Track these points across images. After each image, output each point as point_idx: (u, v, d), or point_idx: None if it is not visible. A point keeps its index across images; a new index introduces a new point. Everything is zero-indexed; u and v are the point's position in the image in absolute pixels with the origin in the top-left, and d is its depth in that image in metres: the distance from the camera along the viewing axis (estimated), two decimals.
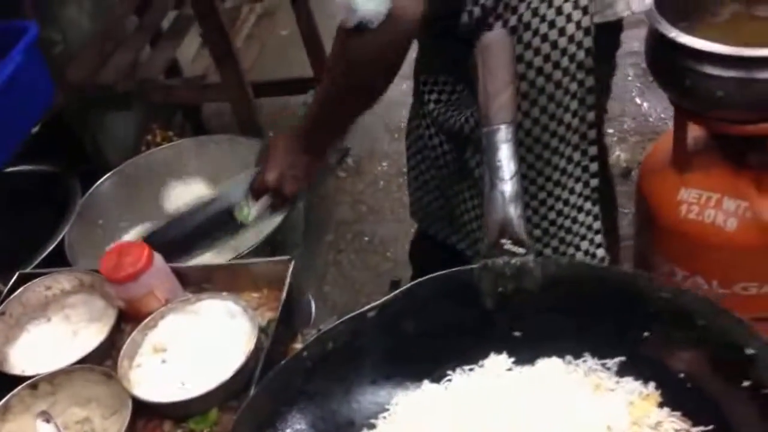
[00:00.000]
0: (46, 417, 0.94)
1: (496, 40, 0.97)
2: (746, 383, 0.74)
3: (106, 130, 2.31)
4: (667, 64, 1.50)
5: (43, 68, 1.70)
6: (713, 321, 0.79)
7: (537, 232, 1.47)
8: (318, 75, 2.84)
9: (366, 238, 2.54)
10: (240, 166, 1.53)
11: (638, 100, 2.91)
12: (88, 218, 1.71)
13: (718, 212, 1.62)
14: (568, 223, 1.50)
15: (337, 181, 2.77)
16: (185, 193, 1.74)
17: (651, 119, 2.87)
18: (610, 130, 2.93)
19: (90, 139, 2.26)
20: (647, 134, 2.80)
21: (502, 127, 0.90)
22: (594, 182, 1.43)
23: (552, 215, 1.45)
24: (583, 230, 1.51)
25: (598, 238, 1.49)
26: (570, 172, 1.41)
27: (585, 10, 1.25)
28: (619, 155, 2.81)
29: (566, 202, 1.46)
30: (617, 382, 0.83)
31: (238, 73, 2.21)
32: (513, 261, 0.88)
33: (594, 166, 1.42)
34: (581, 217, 1.49)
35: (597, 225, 1.48)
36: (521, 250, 0.89)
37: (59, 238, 1.61)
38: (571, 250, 1.48)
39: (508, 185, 0.89)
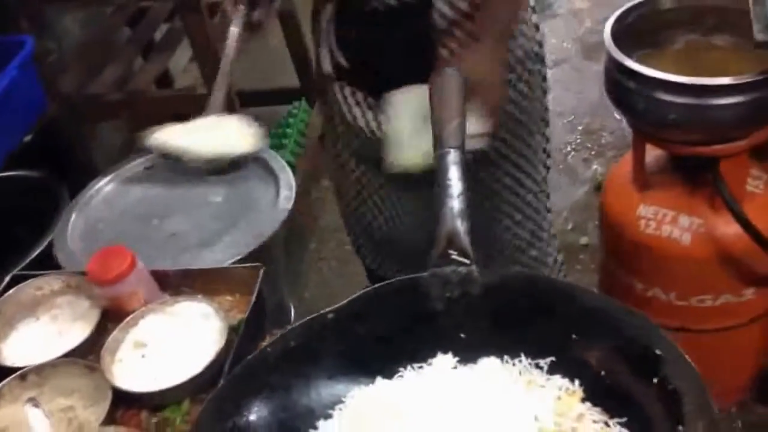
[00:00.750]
0: (35, 402, 1.03)
1: (449, 74, 1.08)
2: (655, 380, 0.83)
3: (97, 138, 2.39)
4: (623, 89, 1.60)
5: (36, 80, 1.78)
6: (627, 324, 0.88)
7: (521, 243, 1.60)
8: (304, 85, 2.93)
9: (347, 247, 2.63)
10: None
11: (617, 116, 3.02)
12: (77, 222, 1.76)
13: (674, 228, 1.72)
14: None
15: (322, 190, 2.85)
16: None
17: (628, 134, 2.96)
18: (588, 144, 3.03)
19: (80, 147, 2.32)
20: (624, 149, 2.88)
21: (452, 150, 1.00)
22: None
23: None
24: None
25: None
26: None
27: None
28: (596, 169, 2.91)
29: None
30: (547, 380, 0.92)
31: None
32: (459, 269, 0.98)
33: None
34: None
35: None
36: (466, 261, 0.98)
37: (47, 242, 1.68)
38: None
39: (456, 202, 0.99)
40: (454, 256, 0.98)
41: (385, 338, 1.00)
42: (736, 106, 1.49)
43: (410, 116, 1.25)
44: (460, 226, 0.98)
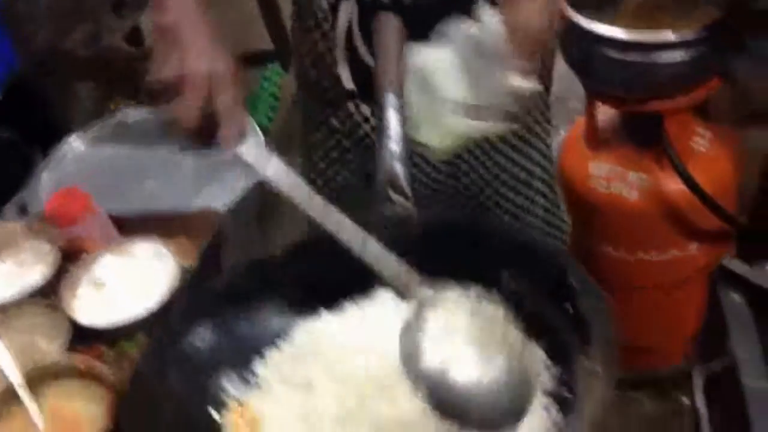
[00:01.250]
0: None
1: (386, 18, 1.12)
2: (571, 309, 0.90)
3: (68, 97, 2.41)
4: (575, 47, 1.66)
5: (5, 38, 1.80)
6: (550, 257, 0.95)
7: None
8: (278, 48, 2.95)
9: None
10: None
11: None
12: (48, 180, 1.81)
13: (622, 185, 1.79)
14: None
15: (294, 153, 2.86)
16: None
17: None
18: (557, 111, 3.07)
19: (51, 106, 2.35)
20: None
21: (391, 94, 1.06)
22: None
23: None
24: None
25: None
26: None
27: None
28: (563, 135, 2.96)
29: None
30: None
31: None
32: (398, 210, 1.04)
33: None
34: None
35: None
36: (406, 203, 1.04)
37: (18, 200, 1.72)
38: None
39: (395, 145, 1.04)
40: (394, 198, 1.04)
41: (328, 275, 1.06)
42: (678, 62, 1.55)
43: (416, 92, 1.14)
44: (400, 169, 1.04)
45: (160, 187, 1.71)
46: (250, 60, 2.96)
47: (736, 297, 0.94)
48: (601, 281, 0.91)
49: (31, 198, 1.74)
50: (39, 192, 1.77)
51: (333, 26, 1.31)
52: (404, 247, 1.04)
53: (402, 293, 0.98)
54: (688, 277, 1.87)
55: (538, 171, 1.56)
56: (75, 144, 1.91)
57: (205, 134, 0.95)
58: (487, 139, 1.41)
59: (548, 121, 1.60)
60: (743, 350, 0.88)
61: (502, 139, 1.45)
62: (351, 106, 1.40)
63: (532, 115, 1.50)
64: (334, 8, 1.32)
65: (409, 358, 0.90)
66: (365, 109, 1.40)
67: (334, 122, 1.46)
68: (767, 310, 0.92)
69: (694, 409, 0.88)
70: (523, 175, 1.53)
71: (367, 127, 1.41)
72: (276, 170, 0.97)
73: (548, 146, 1.60)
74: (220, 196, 1.57)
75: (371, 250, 0.96)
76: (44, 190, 1.77)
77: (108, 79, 2.55)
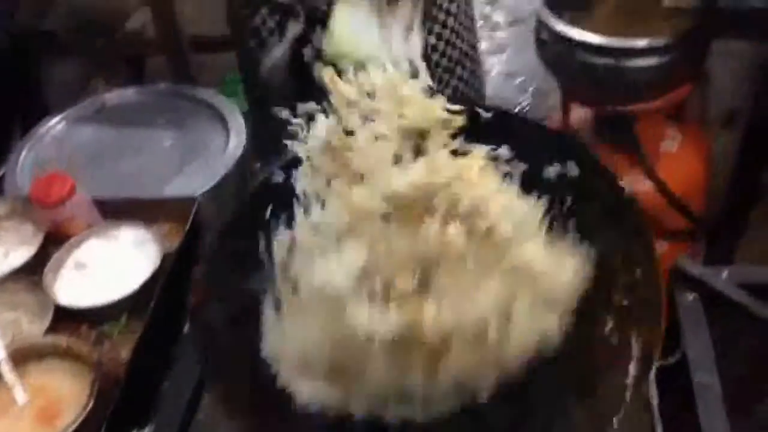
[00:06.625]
0: None
1: None
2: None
3: (48, 77, 2.41)
4: (550, 49, 1.70)
5: None
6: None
7: None
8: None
9: None
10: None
11: None
12: (27, 160, 1.78)
13: None
14: None
15: None
16: None
17: None
18: (538, 106, 3.10)
19: (31, 85, 2.35)
20: None
21: None
22: None
23: None
24: None
25: None
26: None
27: None
28: None
29: None
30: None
31: (174, 29, 2.34)
32: None
33: None
34: None
35: None
36: None
37: None
38: None
39: None
40: None
41: None
42: (651, 67, 1.60)
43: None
44: None
45: (141, 168, 1.72)
46: (233, 43, 2.96)
47: (689, 296, 0.99)
48: None
49: (10, 177, 1.75)
50: (17, 171, 1.77)
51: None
52: None
53: None
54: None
55: None
56: (55, 124, 1.91)
57: None
58: None
59: None
60: (694, 347, 0.93)
61: None
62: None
63: None
64: (280, 25, 1.42)
65: None
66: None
67: None
68: (718, 310, 0.97)
69: (648, 402, 0.93)
70: None
71: None
72: None
73: None
74: (200, 176, 1.59)
75: None
76: (23, 169, 1.77)
77: (89, 61, 2.55)
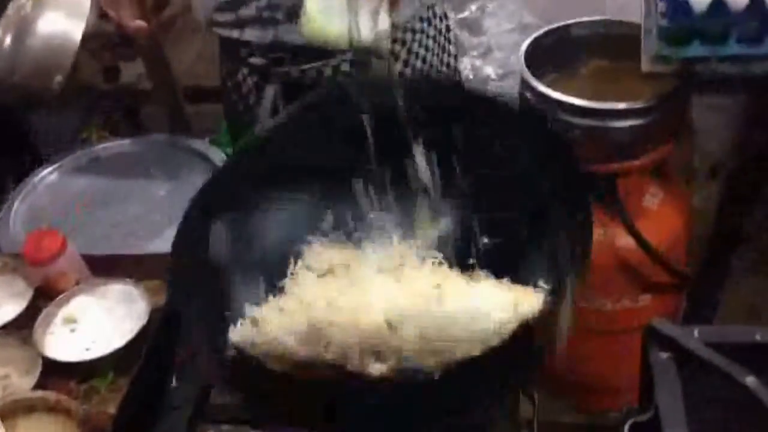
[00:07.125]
0: None
1: None
2: None
3: (42, 127, 2.44)
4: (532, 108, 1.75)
5: None
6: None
7: None
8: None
9: None
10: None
11: None
12: (20, 210, 1.81)
13: None
14: None
15: None
16: None
17: None
18: None
19: (25, 135, 2.37)
20: None
21: None
22: None
23: None
24: None
25: None
26: None
27: None
28: None
29: None
30: None
31: (169, 81, 2.39)
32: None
33: None
34: None
35: None
36: None
37: None
38: None
39: None
40: None
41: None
42: (630, 128, 1.64)
43: None
44: None
45: (135, 218, 1.74)
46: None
47: (663, 355, 1.02)
48: None
49: (3, 227, 1.76)
50: (10, 221, 1.79)
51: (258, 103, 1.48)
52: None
53: None
54: (640, 326, 1.95)
55: None
56: (48, 174, 1.93)
57: None
58: None
59: None
60: (666, 404, 0.96)
61: None
62: None
63: None
64: (257, 86, 1.48)
65: None
66: None
67: None
68: (690, 367, 1.00)
69: None
70: None
71: None
72: None
73: None
74: None
75: None
76: (16, 219, 1.79)
77: (84, 109, 2.58)
